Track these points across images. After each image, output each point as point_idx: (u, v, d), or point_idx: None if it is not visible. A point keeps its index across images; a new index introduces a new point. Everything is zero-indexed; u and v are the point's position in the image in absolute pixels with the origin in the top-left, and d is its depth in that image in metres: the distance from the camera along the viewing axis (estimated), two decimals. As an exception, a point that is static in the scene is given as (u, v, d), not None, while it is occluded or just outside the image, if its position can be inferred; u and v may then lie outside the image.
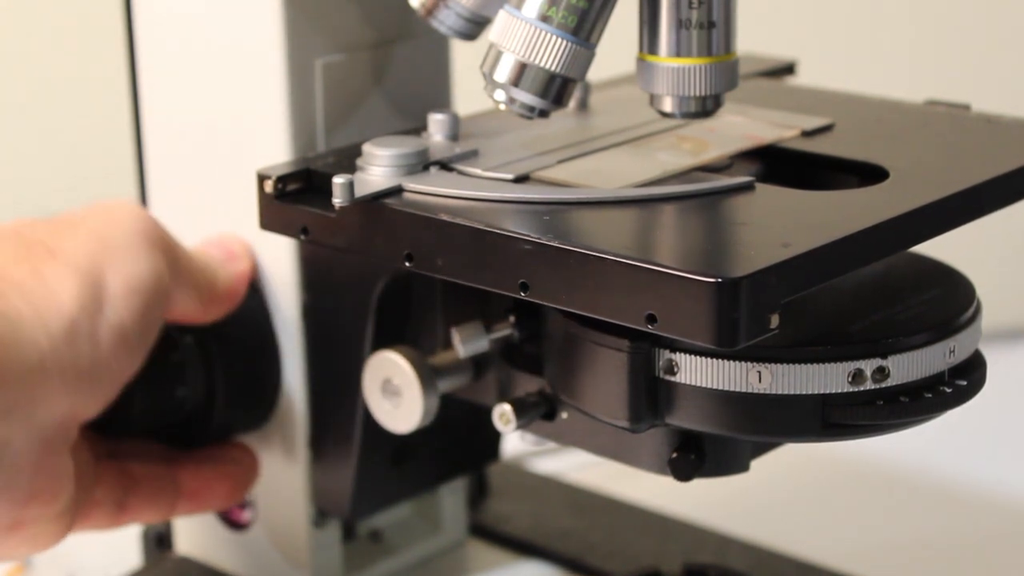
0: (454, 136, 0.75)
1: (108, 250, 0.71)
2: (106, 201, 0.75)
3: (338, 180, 0.68)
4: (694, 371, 0.66)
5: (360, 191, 0.68)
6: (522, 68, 0.69)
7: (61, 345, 0.67)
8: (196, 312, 0.77)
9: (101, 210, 0.74)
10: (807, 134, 0.77)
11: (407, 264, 0.68)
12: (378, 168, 0.71)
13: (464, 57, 0.84)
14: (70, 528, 0.72)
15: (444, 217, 0.66)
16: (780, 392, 0.65)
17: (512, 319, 0.74)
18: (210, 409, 0.79)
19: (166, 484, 0.78)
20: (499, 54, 0.69)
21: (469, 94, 0.81)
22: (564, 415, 0.73)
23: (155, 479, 0.78)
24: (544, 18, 0.68)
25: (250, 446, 0.82)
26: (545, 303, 0.65)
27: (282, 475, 0.82)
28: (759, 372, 0.65)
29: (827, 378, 0.65)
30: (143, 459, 0.79)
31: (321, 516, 0.83)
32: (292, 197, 0.72)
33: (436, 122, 0.75)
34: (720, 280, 0.59)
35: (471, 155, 0.73)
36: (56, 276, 0.69)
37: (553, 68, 0.68)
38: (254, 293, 0.80)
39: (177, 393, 0.78)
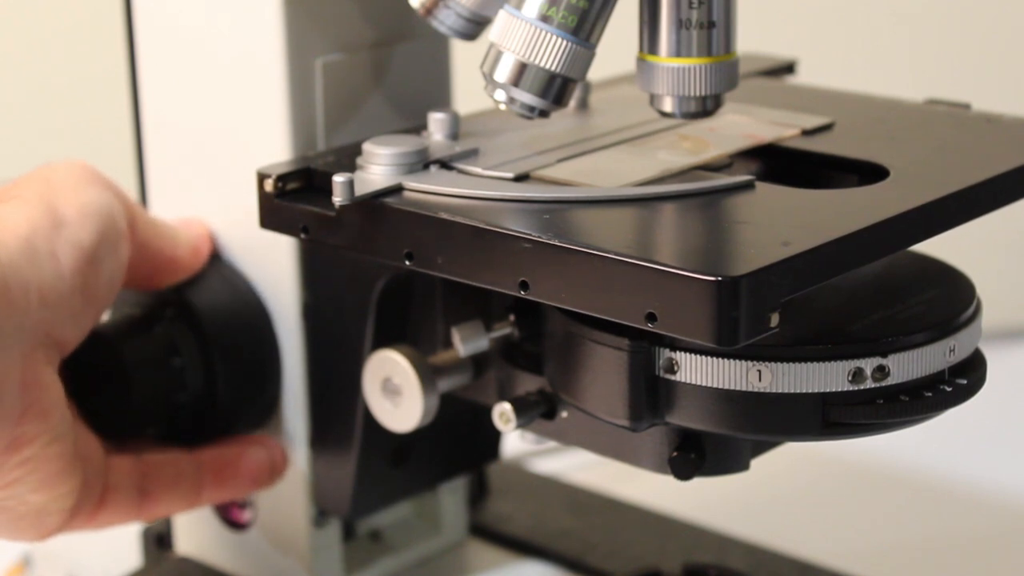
0: (454, 135, 0.75)
1: (55, 185, 0.73)
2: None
3: (338, 179, 0.68)
4: (694, 370, 0.66)
5: (360, 190, 0.68)
6: (522, 68, 0.69)
7: (19, 260, 0.69)
8: (165, 267, 0.78)
9: (45, 166, 0.76)
10: (807, 133, 0.77)
11: (407, 263, 0.68)
12: (378, 167, 0.71)
13: (464, 57, 0.84)
14: (72, 462, 0.71)
15: (444, 216, 0.66)
16: (780, 391, 0.65)
17: (512, 318, 0.74)
18: (211, 409, 0.79)
19: (187, 468, 0.78)
20: (499, 54, 0.69)
21: (469, 94, 0.82)
22: (564, 414, 0.73)
23: (174, 463, 0.78)
24: (544, 18, 0.68)
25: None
26: (545, 302, 0.65)
27: (282, 475, 0.82)
28: (759, 371, 0.65)
29: (827, 377, 0.65)
30: (159, 449, 0.79)
31: (321, 516, 0.83)
32: (292, 196, 0.72)
33: (436, 121, 0.75)
34: (720, 279, 0.59)
35: (471, 154, 0.73)
36: (7, 210, 0.71)
37: (553, 68, 0.68)
38: (254, 293, 0.80)
39: (173, 363, 0.78)
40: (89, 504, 0.74)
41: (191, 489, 0.78)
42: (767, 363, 0.65)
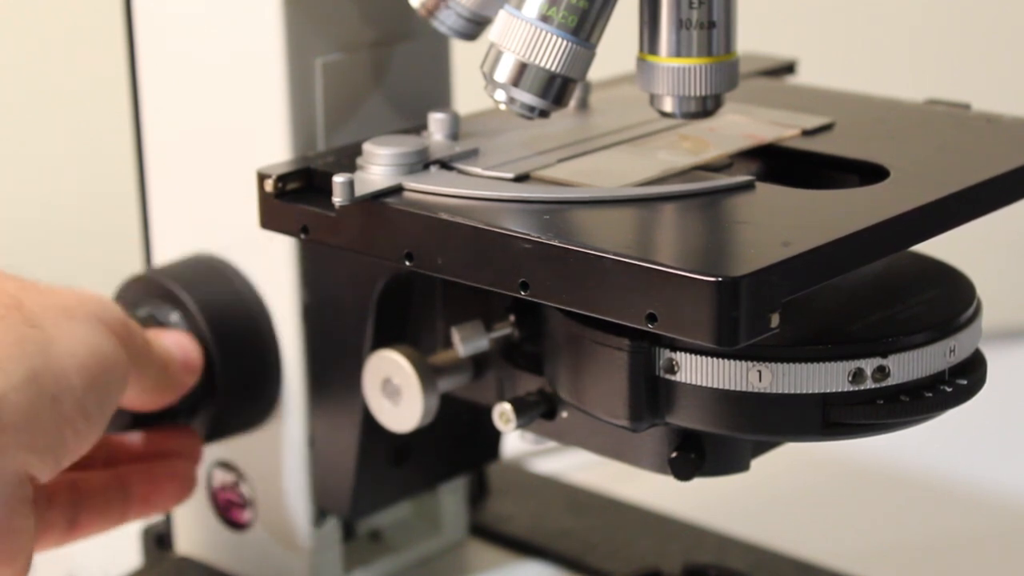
0: (454, 135, 0.75)
1: (69, 320, 0.70)
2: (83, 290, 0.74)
3: (338, 179, 0.68)
4: (694, 370, 0.66)
5: (360, 190, 0.68)
6: (522, 68, 0.69)
7: (19, 396, 0.66)
8: (143, 404, 0.76)
9: (71, 293, 0.73)
10: (807, 133, 0.77)
11: (407, 263, 0.68)
12: (378, 167, 0.71)
13: (464, 57, 0.84)
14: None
15: (444, 216, 0.66)
16: (780, 391, 0.65)
17: (512, 318, 0.74)
18: (210, 407, 0.79)
19: (116, 494, 0.77)
20: (499, 54, 0.69)
21: (469, 94, 0.81)
22: (564, 414, 0.73)
23: (104, 490, 0.77)
24: (544, 18, 0.68)
25: (195, 431, 0.81)
26: (545, 302, 0.65)
27: (282, 475, 0.83)
28: (759, 371, 0.65)
29: (827, 377, 0.65)
30: (88, 467, 0.77)
31: (321, 515, 0.83)
32: (292, 196, 0.72)
33: (436, 121, 0.75)
34: (720, 279, 0.59)
35: (471, 154, 0.73)
36: (27, 335, 0.68)
37: (553, 68, 0.68)
38: (254, 293, 0.80)
39: None
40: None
41: (117, 515, 0.77)
42: (767, 363, 0.65)
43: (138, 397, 0.76)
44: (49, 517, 0.74)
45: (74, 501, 0.75)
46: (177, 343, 0.79)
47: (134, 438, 0.80)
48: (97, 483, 0.77)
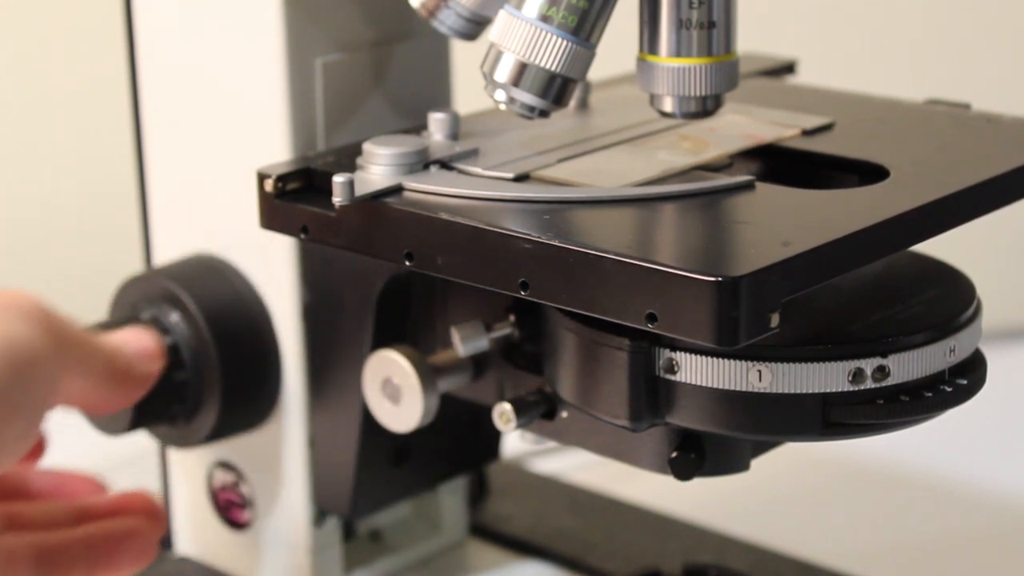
0: (454, 135, 0.75)
1: None
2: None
3: (338, 179, 0.68)
4: (694, 370, 0.66)
5: (360, 190, 0.68)
6: (522, 68, 0.69)
7: None
8: (101, 399, 0.73)
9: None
10: (807, 133, 0.77)
11: (407, 263, 0.68)
12: (378, 167, 0.71)
13: (464, 57, 0.84)
14: None
15: (444, 216, 0.66)
16: (780, 391, 0.65)
17: (512, 318, 0.74)
18: (210, 407, 0.79)
19: (80, 552, 0.73)
20: (499, 54, 0.69)
21: (469, 94, 0.82)
22: (564, 414, 0.73)
23: (67, 551, 0.73)
24: (544, 18, 0.68)
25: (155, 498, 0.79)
26: (545, 302, 0.65)
27: (282, 475, 0.83)
28: (759, 371, 0.65)
29: (827, 377, 0.65)
30: (51, 526, 0.75)
31: (321, 515, 0.83)
32: (292, 196, 0.72)
33: (436, 121, 0.75)
34: (720, 279, 0.59)
35: (471, 154, 0.73)
36: None
37: (553, 68, 0.68)
38: (254, 293, 0.80)
39: (176, 376, 0.78)
40: None
41: (83, 573, 0.74)
42: (767, 363, 0.65)
43: (94, 391, 0.72)
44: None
45: (38, 563, 0.72)
46: (131, 334, 0.77)
47: (97, 500, 0.77)
48: (62, 544, 0.73)
